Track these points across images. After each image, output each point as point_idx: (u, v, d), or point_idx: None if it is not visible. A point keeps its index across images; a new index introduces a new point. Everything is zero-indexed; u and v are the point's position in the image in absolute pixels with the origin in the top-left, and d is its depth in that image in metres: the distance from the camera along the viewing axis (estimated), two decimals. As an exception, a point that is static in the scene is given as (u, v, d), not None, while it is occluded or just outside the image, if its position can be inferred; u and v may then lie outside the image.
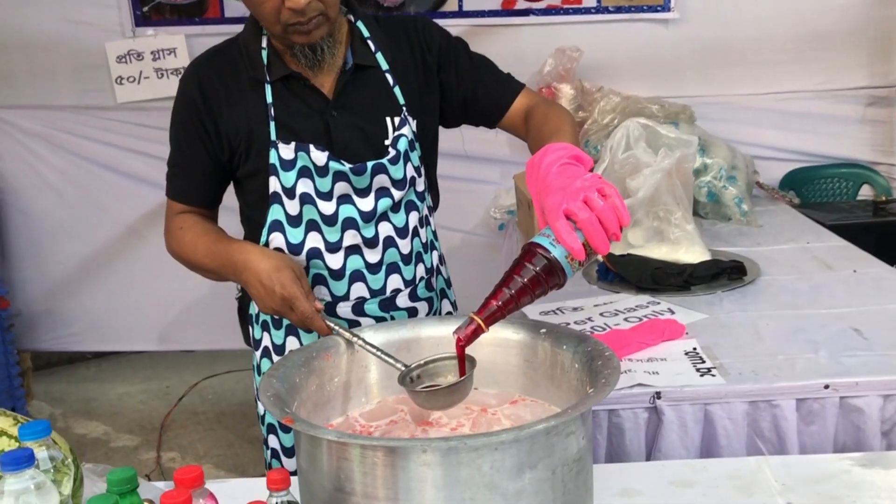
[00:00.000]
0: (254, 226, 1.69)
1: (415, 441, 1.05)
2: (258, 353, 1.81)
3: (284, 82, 1.62)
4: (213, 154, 1.65)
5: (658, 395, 1.70)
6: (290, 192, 1.61)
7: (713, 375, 1.74)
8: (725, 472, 1.38)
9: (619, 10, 3.43)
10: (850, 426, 1.71)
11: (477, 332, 1.23)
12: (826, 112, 3.50)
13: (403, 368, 1.28)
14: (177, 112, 1.67)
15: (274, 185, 1.61)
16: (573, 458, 1.09)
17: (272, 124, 1.60)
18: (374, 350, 1.32)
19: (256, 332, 1.81)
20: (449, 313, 1.85)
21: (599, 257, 1.59)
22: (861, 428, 1.69)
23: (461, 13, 3.45)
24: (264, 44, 1.62)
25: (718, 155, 3.03)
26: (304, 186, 1.61)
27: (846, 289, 2.23)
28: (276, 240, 1.64)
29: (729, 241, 2.79)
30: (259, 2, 1.49)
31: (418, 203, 1.71)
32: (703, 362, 1.81)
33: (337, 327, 1.39)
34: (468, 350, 1.25)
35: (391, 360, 1.30)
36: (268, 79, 1.61)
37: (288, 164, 1.60)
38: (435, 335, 1.41)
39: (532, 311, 2.18)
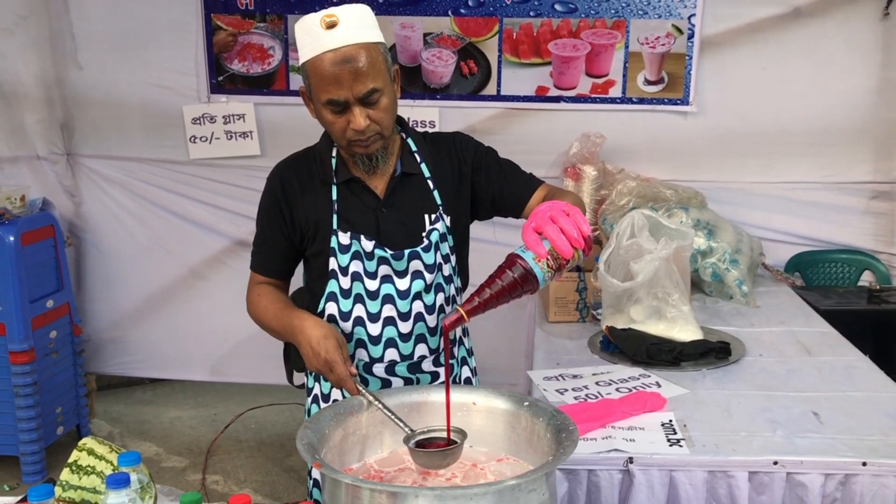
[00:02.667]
0: (314, 296, 2.08)
1: (409, 488, 1.39)
2: (309, 399, 2.18)
3: (347, 184, 2.01)
4: (289, 237, 2.05)
5: (631, 459, 1.98)
6: (344, 271, 2.00)
7: (681, 446, 2.02)
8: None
9: (641, 101, 3.77)
10: (795, 499, 1.96)
11: (459, 321, 1.57)
12: (832, 202, 3.75)
13: (409, 431, 1.61)
14: (263, 202, 2.08)
15: (332, 264, 2.00)
16: (534, 509, 1.41)
17: (335, 217, 1.99)
18: (388, 413, 1.66)
19: (310, 381, 2.19)
20: (467, 379, 2.20)
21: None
22: (804, 501, 1.95)
23: (499, 97, 3.83)
24: (334, 153, 2.02)
25: (724, 239, 3.32)
26: (356, 267, 1.99)
27: (818, 374, 2.49)
28: (331, 308, 2.02)
29: (726, 319, 3.06)
30: (331, 122, 1.89)
31: (445, 286, 2.07)
32: (675, 433, 2.09)
33: (364, 390, 1.73)
34: (462, 425, 1.60)
35: (401, 424, 1.63)
36: (334, 181, 2.00)
37: (344, 249, 1.99)
38: (440, 400, 1.75)
39: (536, 376, 2.50)
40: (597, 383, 2.44)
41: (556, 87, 3.82)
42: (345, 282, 2.00)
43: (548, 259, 1.55)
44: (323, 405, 2.11)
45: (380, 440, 1.73)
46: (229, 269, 4.14)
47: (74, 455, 1.51)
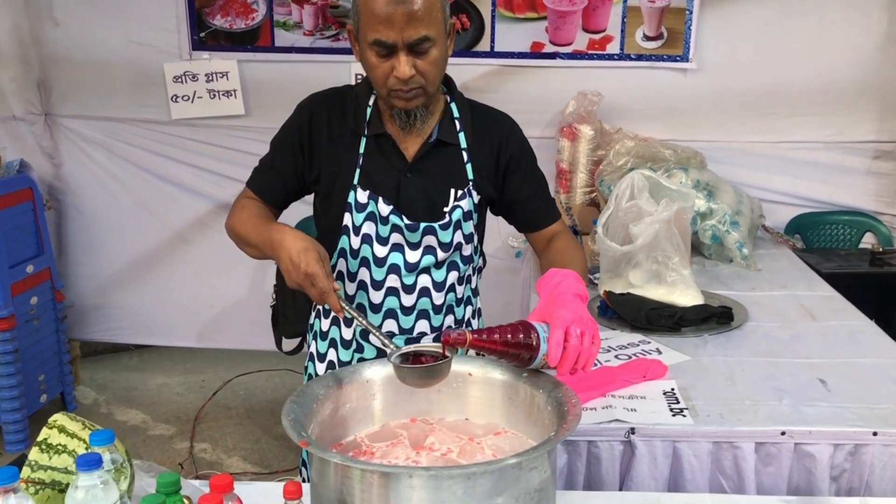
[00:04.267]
0: (323, 245, 1.96)
1: (403, 468, 1.30)
2: (306, 359, 2.11)
3: (377, 139, 1.88)
4: (299, 173, 1.93)
5: (633, 430, 1.91)
6: (356, 230, 1.89)
7: (684, 416, 1.94)
8: (676, 507, 1.60)
9: (640, 58, 3.65)
10: (802, 470, 1.90)
11: (461, 342, 1.51)
12: (834, 162, 3.68)
13: (393, 348, 1.55)
14: (286, 128, 1.93)
15: (346, 219, 1.90)
16: (535, 488, 1.32)
17: (357, 171, 1.88)
18: (373, 329, 1.60)
19: (309, 336, 2.12)
20: None
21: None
22: (812, 472, 1.89)
23: (492, 53, 3.70)
24: (371, 101, 1.89)
25: (724, 201, 3.23)
26: (368, 228, 1.89)
27: (823, 340, 2.42)
28: (340, 264, 1.93)
29: (726, 283, 2.99)
30: (373, 66, 1.75)
31: (461, 265, 1.96)
32: (678, 402, 2.01)
33: (347, 307, 1.65)
34: (458, 396, 1.57)
35: (384, 340, 1.58)
36: (365, 132, 1.88)
37: (360, 207, 1.88)
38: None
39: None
40: (595, 350, 2.35)
41: (551, 42, 3.69)
42: (355, 241, 1.91)
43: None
44: (318, 365, 2.03)
45: (370, 413, 1.63)
46: (215, 233, 4.03)
47: (44, 433, 1.41)
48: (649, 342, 2.42)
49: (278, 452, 3.74)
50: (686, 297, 2.65)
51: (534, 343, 1.51)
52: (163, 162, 4.01)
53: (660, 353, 2.34)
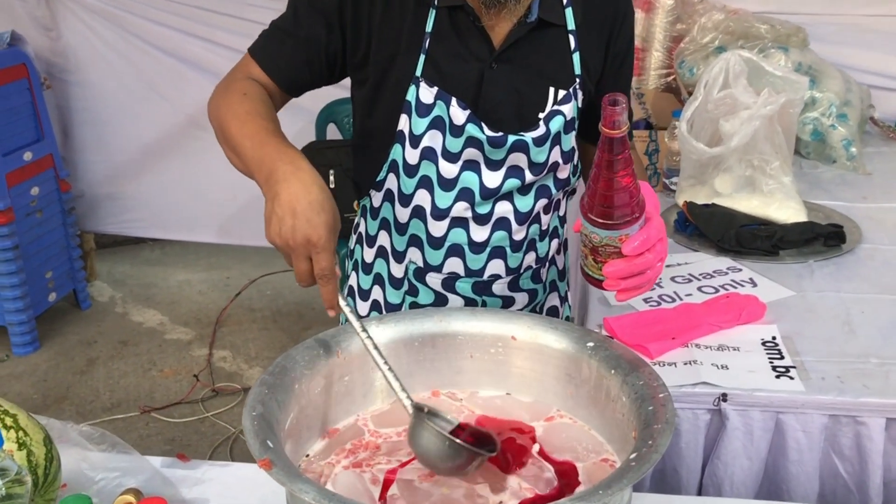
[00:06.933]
0: (365, 150, 1.51)
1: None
2: (346, 291, 1.68)
3: (451, 12, 1.37)
4: (332, 50, 1.41)
5: (724, 396, 1.49)
6: (414, 141, 1.42)
7: (791, 378, 1.50)
8: (790, 524, 1.18)
9: None
10: (947, 454, 1.48)
11: (621, 126, 1.12)
12: (968, 38, 3.06)
13: (409, 402, 1.07)
14: None
15: (403, 123, 1.42)
16: (604, 528, 0.91)
17: (422, 58, 1.38)
18: (380, 364, 1.09)
19: (347, 265, 1.71)
20: (553, 309, 1.65)
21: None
22: (961, 458, 1.46)
23: None
24: None
25: (831, 88, 2.67)
26: (431, 140, 1.41)
27: (964, 271, 1.94)
28: (391, 181, 1.48)
29: (830, 190, 2.48)
30: None
31: (553, 189, 1.50)
32: (782, 358, 1.57)
33: (348, 310, 1.12)
34: (498, 367, 1.20)
35: (397, 387, 1.08)
36: (435, 3, 1.37)
37: (424, 109, 1.39)
38: (468, 332, 1.23)
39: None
40: (672, 279, 1.90)
41: None
42: (411, 155, 1.42)
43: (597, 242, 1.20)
44: (360, 303, 1.60)
45: (377, 388, 1.22)
46: (233, 118, 3.58)
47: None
48: (740, 269, 1.95)
49: (304, 363, 3.41)
50: (785, 210, 2.15)
51: (638, 217, 1.18)
52: (171, 35, 3.54)
53: (754, 284, 1.88)
